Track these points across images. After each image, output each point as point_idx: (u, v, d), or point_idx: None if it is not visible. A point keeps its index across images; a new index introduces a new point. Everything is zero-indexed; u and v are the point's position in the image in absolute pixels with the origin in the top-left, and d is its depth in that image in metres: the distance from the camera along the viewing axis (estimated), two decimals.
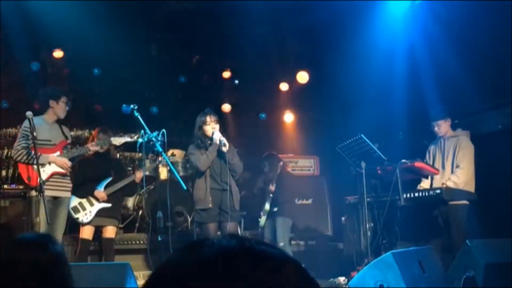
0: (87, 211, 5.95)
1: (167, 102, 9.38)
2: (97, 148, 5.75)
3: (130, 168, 7.28)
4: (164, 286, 0.74)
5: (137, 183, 6.46)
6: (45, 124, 5.44)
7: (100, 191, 6.06)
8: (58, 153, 5.43)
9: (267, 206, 6.86)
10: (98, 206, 6.04)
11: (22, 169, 5.31)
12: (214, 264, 0.72)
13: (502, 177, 5.98)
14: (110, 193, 6.11)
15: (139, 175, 6.29)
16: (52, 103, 5.45)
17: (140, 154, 7.77)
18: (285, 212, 6.87)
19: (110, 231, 6.17)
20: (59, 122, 5.62)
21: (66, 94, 5.55)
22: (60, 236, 5.42)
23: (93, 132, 6.28)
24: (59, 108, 5.47)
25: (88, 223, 5.99)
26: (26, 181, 5.21)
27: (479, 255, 4.52)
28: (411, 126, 7.35)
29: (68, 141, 5.63)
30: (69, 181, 5.59)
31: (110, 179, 6.18)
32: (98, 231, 6.17)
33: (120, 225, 7.24)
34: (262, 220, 6.90)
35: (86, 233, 6.02)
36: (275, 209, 6.85)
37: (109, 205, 6.08)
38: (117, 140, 5.84)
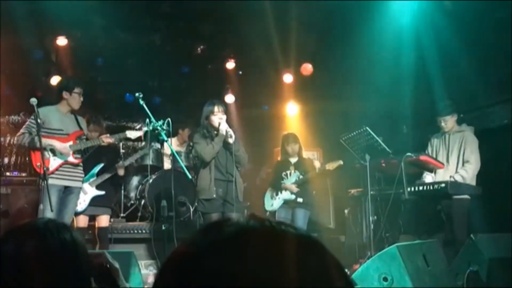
0: (81, 199, 5.88)
1: (170, 92, 9.34)
2: (111, 141, 5.71)
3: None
4: (183, 265, 0.70)
5: (120, 176, 6.35)
6: (58, 114, 5.41)
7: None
8: (71, 142, 5.40)
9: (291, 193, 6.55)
10: (91, 194, 6.01)
11: (33, 156, 5.26)
12: (234, 243, 0.70)
13: (507, 172, 5.96)
14: (103, 180, 6.08)
15: (120, 172, 6.22)
16: (65, 94, 5.40)
17: (143, 143, 7.77)
18: (309, 204, 6.64)
19: (103, 220, 6.17)
20: (75, 113, 5.57)
21: (81, 85, 5.44)
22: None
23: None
24: (72, 99, 5.40)
25: (82, 212, 5.96)
26: (36, 168, 5.18)
27: (483, 250, 4.52)
28: (415, 120, 7.32)
29: (84, 132, 5.59)
30: (81, 171, 5.55)
31: (101, 165, 6.13)
32: (91, 220, 6.15)
33: (122, 214, 7.25)
34: (276, 203, 6.62)
35: (81, 222, 6.01)
36: (300, 199, 6.49)
37: (102, 192, 6.05)
38: (132, 134, 5.82)
